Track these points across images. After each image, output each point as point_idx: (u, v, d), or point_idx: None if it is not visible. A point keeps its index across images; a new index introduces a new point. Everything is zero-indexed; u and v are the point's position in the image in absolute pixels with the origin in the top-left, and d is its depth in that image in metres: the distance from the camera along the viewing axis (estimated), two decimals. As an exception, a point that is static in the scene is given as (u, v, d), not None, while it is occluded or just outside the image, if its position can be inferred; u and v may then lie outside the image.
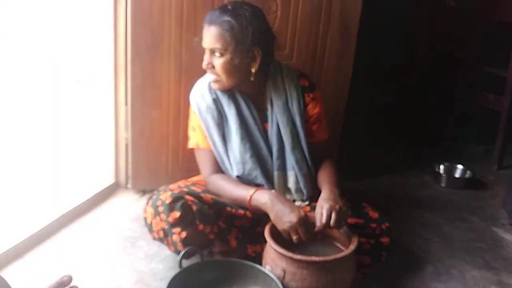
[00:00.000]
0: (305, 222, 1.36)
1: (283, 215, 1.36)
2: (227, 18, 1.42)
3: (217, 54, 1.45)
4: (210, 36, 1.44)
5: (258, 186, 1.57)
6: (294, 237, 1.36)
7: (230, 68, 1.46)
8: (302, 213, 1.36)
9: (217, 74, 1.49)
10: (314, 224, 1.39)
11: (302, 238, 1.35)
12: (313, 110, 1.64)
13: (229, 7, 1.45)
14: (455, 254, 1.86)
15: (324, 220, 1.36)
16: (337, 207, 1.38)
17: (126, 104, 1.98)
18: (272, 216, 1.39)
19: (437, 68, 3.24)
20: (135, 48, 1.86)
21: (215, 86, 1.53)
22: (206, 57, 1.48)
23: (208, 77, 1.54)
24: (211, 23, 1.44)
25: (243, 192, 1.47)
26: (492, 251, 1.91)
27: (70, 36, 2.04)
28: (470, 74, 3.10)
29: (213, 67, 1.47)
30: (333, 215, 1.36)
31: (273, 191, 1.50)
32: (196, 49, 1.54)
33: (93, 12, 1.93)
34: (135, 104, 1.94)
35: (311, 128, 1.65)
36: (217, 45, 1.43)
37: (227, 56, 1.44)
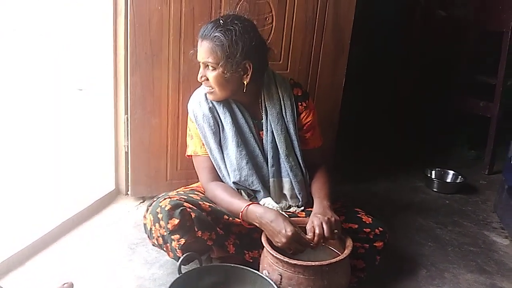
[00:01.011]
0: (295, 239, 1.38)
1: (274, 235, 1.40)
2: (217, 34, 1.46)
3: (210, 67, 1.51)
4: (203, 50, 1.50)
5: (254, 192, 1.61)
6: (290, 252, 1.40)
7: (222, 81, 1.51)
8: (290, 232, 1.37)
9: (211, 86, 1.54)
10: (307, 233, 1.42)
11: (298, 252, 1.40)
12: (306, 118, 1.68)
13: (221, 22, 1.49)
14: (448, 258, 1.90)
15: (317, 233, 1.39)
16: (326, 218, 1.42)
17: (126, 112, 2.01)
18: (267, 230, 1.43)
19: (429, 76, 3.29)
20: (135, 58, 1.90)
21: (210, 97, 1.60)
22: (201, 69, 1.54)
23: (204, 88, 1.59)
24: (203, 38, 1.49)
25: (236, 207, 1.51)
26: (485, 255, 1.95)
27: (71, 45, 2.07)
28: (461, 81, 3.17)
29: (207, 79, 1.53)
30: (325, 227, 1.39)
31: (263, 206, 1.53)
32: (194, 60, 1.59)
33: (93, 23, 1.97)
34: (135, 112, 1.97)
35: (304, 136, 1.69)
36: (209, 60, 1.49)
37: (219, 70, 1.49)
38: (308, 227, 1.43)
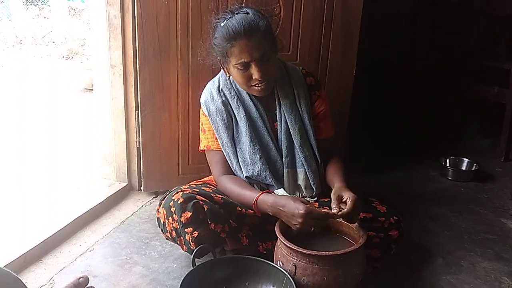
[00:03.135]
0: (310, 215, 1.35)
1: (290, 220, 1.38)
2: (260, 22, 1.44)
3: (265, 58, 1.46)
4: (255, 46, 1.43)
5: (268, 186, 1.60)
6: (311, 226, 1.35)
7: (276, 64, 1.53)
8: (302, 210, 1.34)
9: (269, 79, 1.50)
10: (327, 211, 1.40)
11: (320, 221, 1.34)
12: (320, 107, 1.67)
13: (247, 12, 1.46)
14: (465, 246, 1.87)
15: (350, 204, 1.37)
16: (357, 196, 1.40)
17: (136, 108, 2.02)
18: (281, 216, 1.41)
19: (440, 63, 3.24)
20: (143, 54, 1.90)
21: (265, 92, 1.54)
22: (256, 69, 1.45)
23: (255, 88, 1.52)
24: (250, 35, 1.42)
25: (248, 197, 1.50)
26: (502, 242, 1.92)
27: (78, 46, 2.08)
28: (473, 67, 3.12)
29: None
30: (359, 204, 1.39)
31: (274, 194, 1.51)
32: (236, 67, 1.52)
33: (101, 20, 1.97)
34: (145, 108, 1.98)
35: (318, 125, 1.67)
36: (266, 48, 1.45)
37: (274, 54, 1.50)
38: (333, 196, 1.40)
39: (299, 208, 1.36)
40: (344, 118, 2.28)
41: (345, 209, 1.37)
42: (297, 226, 1.37)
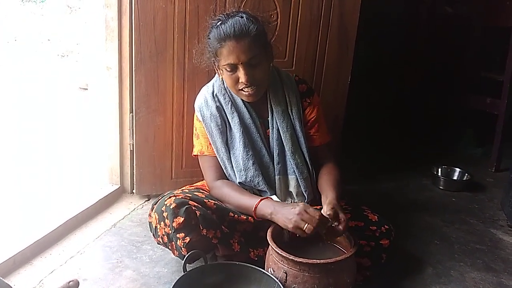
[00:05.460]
0: (308, 207, 1.37)
1: (288, 213, 1.38)
2: (251, 25, 1.45)
3: (254, 62, 1.46)
4: (244, 49, 1.43)
5: (260, 192, 1.61)
6: (305, 227, 1.33)
7: (267, 70, 1.52)
8: (301, 203, 1.39)
9: (257, 84, 1.50)
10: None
11: (312, 224, 1.33)
12: (310, 114, 1.68)
13: (241, 16, 1.47)
14: (455, 256, 1.88)
15: (343, 217, 1.39)
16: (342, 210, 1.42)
17: (131, 111, 2.01)
18: (280, 220, 1.40)
19: (434, 73, 3.27)
20: (139, 56, 1.90)
21: (253, 98, 1.54)
22: (242, 73, 1.45)
23: (243, 92, 1.52)
24: (239, 37, 1.42)
25: (248, 202, 1.51)
26: (492, 253, 1.93)
27: (74, 44, 2.07)
28: (467, 78, 3.15)
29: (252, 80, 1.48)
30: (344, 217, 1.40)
31: (275, 200, 1.52)
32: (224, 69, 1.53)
33: (98, 22, 1.97)
34: (140, 111, 1.97)
35: (309, 132, 1.68)
36: (255, 52, 1.45)
37: (264, 60, 1.49)
38: (329, 209, 1.40)
39: (299, 204, 1.39)
40: (338, 126, 2.29)
41: (338, 228, 1.39)
42: (294, 218, 1.35)
